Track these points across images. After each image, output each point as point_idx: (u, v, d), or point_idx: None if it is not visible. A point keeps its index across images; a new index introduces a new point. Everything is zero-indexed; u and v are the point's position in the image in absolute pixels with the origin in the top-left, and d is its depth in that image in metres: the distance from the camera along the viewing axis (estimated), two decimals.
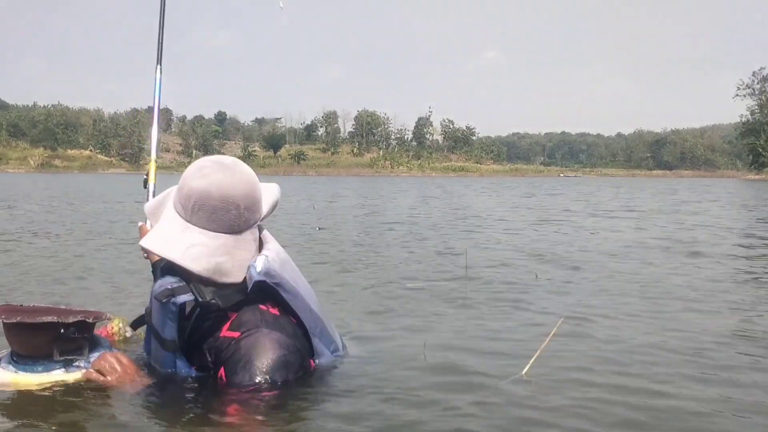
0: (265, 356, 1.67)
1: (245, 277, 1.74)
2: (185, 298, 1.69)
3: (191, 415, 1.64)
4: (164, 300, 1.68)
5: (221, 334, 1.74)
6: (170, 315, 1.70)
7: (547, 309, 3.10)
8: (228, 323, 1.74)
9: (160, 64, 2.60)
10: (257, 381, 1.65)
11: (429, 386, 1.89)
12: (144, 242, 1.78)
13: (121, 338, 2.29)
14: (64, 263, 4.57)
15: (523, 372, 1.98)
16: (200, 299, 1.71)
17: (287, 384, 1.69)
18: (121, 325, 2.32)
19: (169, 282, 1.71)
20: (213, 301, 1.72)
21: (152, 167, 2.43)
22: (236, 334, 1.71)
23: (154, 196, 2.37)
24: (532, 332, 2.60)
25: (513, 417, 1.66)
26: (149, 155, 2.55)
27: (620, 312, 3.04)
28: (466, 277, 4.04)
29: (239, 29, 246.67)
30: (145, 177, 2.43)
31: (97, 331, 2.19)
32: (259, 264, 1.73)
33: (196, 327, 1.78)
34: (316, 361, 1.86)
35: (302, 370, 1.76)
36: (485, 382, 1.93)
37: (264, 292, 1.76)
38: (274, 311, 1.77)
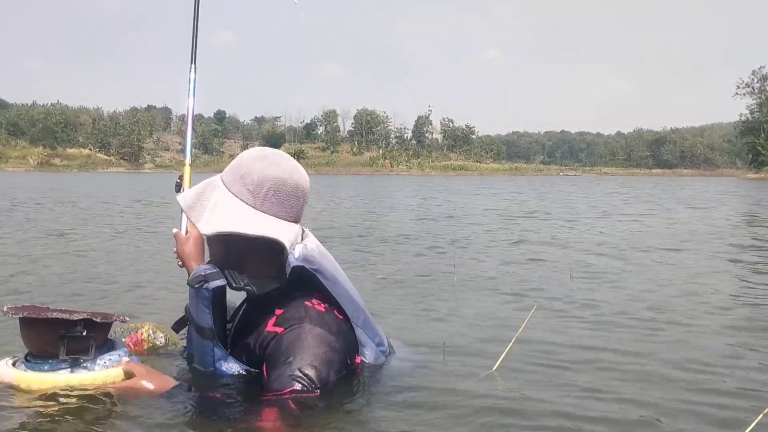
0: (305, 352, 1.65)
1: (282, 267, 1.71)
2: (217, 283, 1.69)
3: (221, 413, 1.62)
4: (197, 285, 1.68)
5: (266, 329, 1.72)
6: (204, 301, 1.69)
7: (521, 302, 3.18)
8: (273, 318, 1.73)
9: (194, 64, 2.35)
10: (296, 376, 1.62)
11: (399, 386, 1.91)
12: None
13: (150, 345, 2.14)
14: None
15: (494, 369, 2.05)
16: (233, 285, 1.70)
17: (326, 382, 1.66)
18: (150, 331, 2.16)
19: (202, 269, 1.71)
20: (248, 287, 1.71)
21: (187, 171, 2.16)
22: (280, 330, 1.69)
23: None
24: (504, 326, 2.66)
25: (482, 414, 1.70)
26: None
27: (592, 304, 3.12)
28: (453, 272, 4.12)
29: (239, 28, 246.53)
30: (177, 181, 2.22)
31: (126, 338, 2.13)
32: (297, 250, 1.72)
33: (245, 322, 1.79)
34: (363, 356, 1.85)
35: (345, 369, 1.76)
36: (457, 379, 1.98)
37: (308, 285, 1.75)
38: (320, 308, 1.75)
